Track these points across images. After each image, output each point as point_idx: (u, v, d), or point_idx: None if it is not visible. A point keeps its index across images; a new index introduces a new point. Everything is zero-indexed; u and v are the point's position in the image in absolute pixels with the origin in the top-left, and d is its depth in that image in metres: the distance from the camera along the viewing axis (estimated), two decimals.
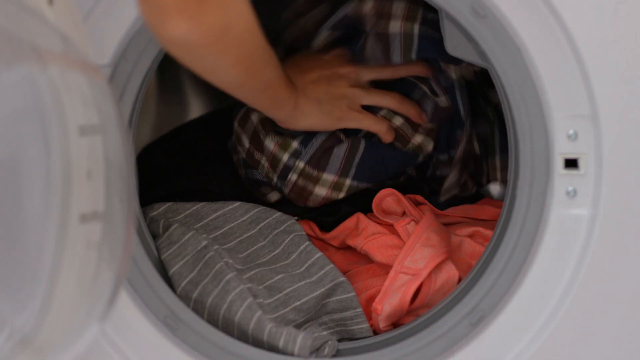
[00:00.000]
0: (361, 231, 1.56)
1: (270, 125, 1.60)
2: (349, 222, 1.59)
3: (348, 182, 1.58)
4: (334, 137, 1.59)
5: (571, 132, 1.32)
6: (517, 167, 1.36)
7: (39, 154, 1.00)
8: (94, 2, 1.30)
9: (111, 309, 1.10)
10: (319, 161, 1.57)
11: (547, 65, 1.30)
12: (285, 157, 1.58)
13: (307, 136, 1.59)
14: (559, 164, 1.33)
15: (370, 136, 1.60)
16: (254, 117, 1.61)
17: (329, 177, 1.58)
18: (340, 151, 1.58)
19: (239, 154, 1.64)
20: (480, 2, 1.29)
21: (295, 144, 1.58)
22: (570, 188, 1.33)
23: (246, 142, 1.61)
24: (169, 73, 2.14)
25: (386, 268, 1.54)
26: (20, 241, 1.01)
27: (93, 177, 1.04)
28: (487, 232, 1.56)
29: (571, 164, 1.33)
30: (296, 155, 1.58)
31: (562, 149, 1.32)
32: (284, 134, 1.60)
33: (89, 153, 1.03)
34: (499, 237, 1.38)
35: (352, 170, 1.58)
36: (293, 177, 1.58)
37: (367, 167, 1.58)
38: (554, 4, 1.28)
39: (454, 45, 1.36)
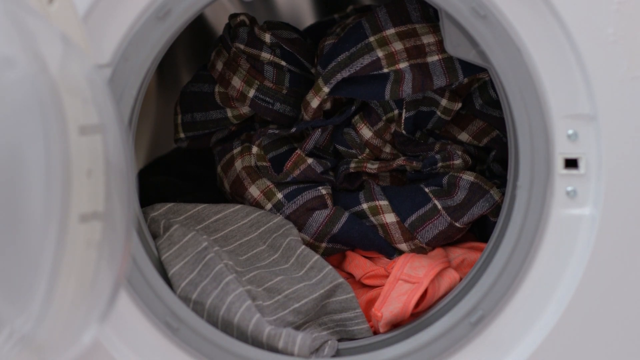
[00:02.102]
0: (350, 261, 1.59)
1: (256, 174, 1.62)
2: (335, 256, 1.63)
3: (324, 245, 1.59)
4: (320, 199, 1.59)
5: (571, 132, 1.32)
6: (517, 167, 1.36)
7: (39, 154, 1.00)
8: (94, 2, 1.30)
9: (111, 309, 1.10)
10: (297, 220, 1.58)
11: (547, 65, 1.30)
12: (267, 207, 1.59)
13: (294, 191, 1.60)
14: (559, 164, 1.33)
15: (357, 210, 1.60)
16: (238, 164, 1.62)
17: (304, 237, 1.58)
18: (320, 217, 1.57)
19: (225, 194, 1.67)
20: (481, 2, 1.29)
21: (279, 196, 1.59)
22: (570, 188, 1.33)
23: (227, 187, 1.64)
24: (169, 73, 2.14)
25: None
26: (20, 241, 1.01)
27: (93, 177, 1.04)
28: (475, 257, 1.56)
29: (571, 164, 1.33)
30: (278, 207, 1.59)
31: (562, 149, 1.32)
32: (272, 181, 1.61)
33: (89, 153, 1.03)
34: (499, 237, 1.38)
35: (328, 237, 1.58)
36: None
37: (344, 237, 1.58)
38: (554, 4, 1.28)
39: (454, 45, 1.36)
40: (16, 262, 1.01)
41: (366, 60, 1.55)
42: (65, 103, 1.02)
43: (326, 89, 1.57)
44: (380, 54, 1.55)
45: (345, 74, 1.55)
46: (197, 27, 2.10)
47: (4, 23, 1.01)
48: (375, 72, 1.55)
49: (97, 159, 1.04)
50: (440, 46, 1.55)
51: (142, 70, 1.34)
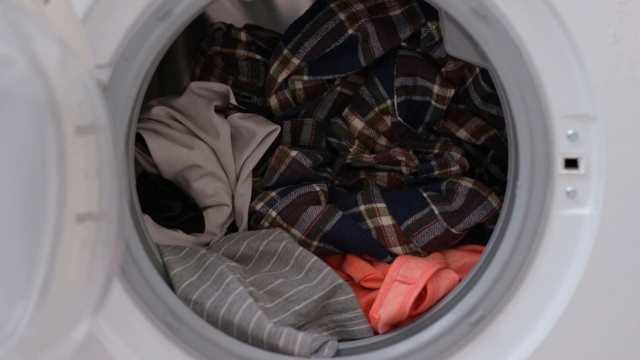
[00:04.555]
0: (349, 264, 1.59)
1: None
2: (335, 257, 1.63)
3: (315, 243, 1.59)
4: (313, 195, 1.59)
5: (571, 132, 1.32)
6: (517, 167, 1.35)
7: (36, 154, 1.00)
8: (94, 2, 1.30)
9: (102, 304, 1.10)
10: (290, 215, 1.58)
11: (547, 65, 1.30)
12: (258, 207, 1.60)
13: (288, 189, 1.61)
14: (559, 164, 1.33)
15: (354, 212, 1.60)
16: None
17: (297, 233, 1.58)
18: (314, 212, 1.58)
19: None
20: (481, 2, 1.29)
21: (273, 194, 1.60)
22: (570, 188, 1.33)
23: None
24: (169, 73, 2.14)
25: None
26: (16, 242, 1.01)
27: (89, 177, 1.04)
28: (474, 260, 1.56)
29: (571, 164, 1.33)
30: (270, 204, 1.60)
31: (562, 149, 1.32)
32: (262, 186, 1.63)
33: (85, 153, 1.03)
34: (499, 237, 1.38)
35: (320, 235, 1.58)
36: (265, 224, 1.59)
37: (336, 237, 1.58)
38: (554, 4, 1.28)
39: (454, 45, 1.36)
40: (12, 262, 1.01)
41: (330, 25, 1.59)
42: (61, 103, 1.02)
43: (296, 60, 1.60)
44: (342, 16, 1.59)
45: (313, 41, 1.59)
46: (197, 27, 2.10)
47: (1, 25, 1.02)
48: (343, 39, 1.58)
49: (93, 159, 1.04)
50: (401, 1, 1.59)
51: (142, 70, 1.34)
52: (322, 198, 1.59)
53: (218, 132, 1.61)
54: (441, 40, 1.59)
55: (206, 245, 1.60)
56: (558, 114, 1.31)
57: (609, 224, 1.32)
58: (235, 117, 1.62)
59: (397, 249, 1.57)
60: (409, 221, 1.57)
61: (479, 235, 1.63)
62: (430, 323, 1.40)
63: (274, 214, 1.59)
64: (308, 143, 1.67)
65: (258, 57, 1.68)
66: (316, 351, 1.40)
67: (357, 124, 1.64)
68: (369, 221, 1.58)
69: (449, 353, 1.38)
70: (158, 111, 1.63)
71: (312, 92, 1.69)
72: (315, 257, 1.51)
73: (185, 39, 2.04)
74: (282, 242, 1.53)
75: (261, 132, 1.61)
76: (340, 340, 1.47)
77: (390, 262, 1.57)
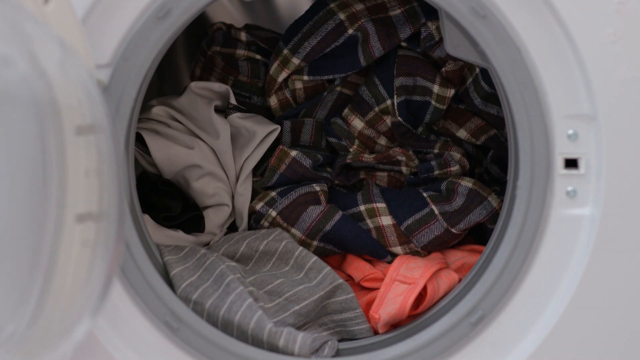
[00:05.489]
0: (349, 264, 1.59)
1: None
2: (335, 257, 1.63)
3: (315, 243, 1.59)
4: (313, 195, 1.59)
5: (571, 132, 1.32)
6: (517, 167, 1.36)
7: (36, 154, 1.00)
8: (94, 1, 1.30)
9: (103, 305, 1.10)
10: (290, 215, 1.58)
11: (547, 65, 1.30)
12: (258, 207, 1.60)
13: (288, 189, 1.61)
14: (559, 164, 1.33)
15: (354, 211, 1.60)
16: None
17: (297, 233, 1.58)
18: (314, 212, 1.58)
19: None
20: (480, 2, 1.29)
21: (273, 194, 1.60)
22: (570, 188, 1.33)
23: None
24: (168, 73, 2.14)
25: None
26: (16, 242, 1.01)
27: (89, 177, 1.04)
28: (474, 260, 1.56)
29: (571, 164, 1.33)
30: (270, 203, 1.60)
31: (562, 149, 1.32)
32: (262, 186, 1.63)
33: (85, 153, 1.03)
34: (499, 237, 1.38)
35: (320, 235, 1.58)
36: (265, 224, 1.59)
37: (336, 236, 1.58)
38: (554, 4, 1.28)
39: (454, 45, 1.36)
40: (12, 263, 1.01)
41: (330, 25, 1.59)
42: (61, 103, 1.02)
43: (296, 60, 1.60)
44: (342, 16, 1.59)
45: (313, 41, 1.59)
46: (197, 27, 2.10)
47: (1, 25, 1.02)
48: (343, 39, 1.59)
49: (93, 159, 1.04)
50: (401, 1, 1.59)
51: (142, 70, 1.34)
52: (322, 198, 1.59)
53: (218, 132, 1.61)
54: (441, 40, 1.59)
55: (206, 245, 1.60)
56: (558, 114, 1.31)
57: (609, 224, 1.32)
58: (235, 117, 1.62)
59: (397, 249, 1.57)
60: (409, 221, 1.57)
61: (479, 235, 1.63)
62: (430, 323, 1.40)
63: (274, 213, 1.59)
64: (308, 143, 1.67)
65: (258, 57, 1.68)
66: (316, 351, 1.40)
67: (357, 123, 1.64)
68: (369, 221, 1.58)
69: (449, 353, 1.38)
70: (158, 111, 1.63)
71: (312, 92, 1.69)
72: (315, 257, 1.51)
73: (185, 39, 2.04)
74: (282, 242, 1.53)
75: (261, 132, 1.61)
76: (340, 340, 1.47)
77: (390, 262, 1.57)
